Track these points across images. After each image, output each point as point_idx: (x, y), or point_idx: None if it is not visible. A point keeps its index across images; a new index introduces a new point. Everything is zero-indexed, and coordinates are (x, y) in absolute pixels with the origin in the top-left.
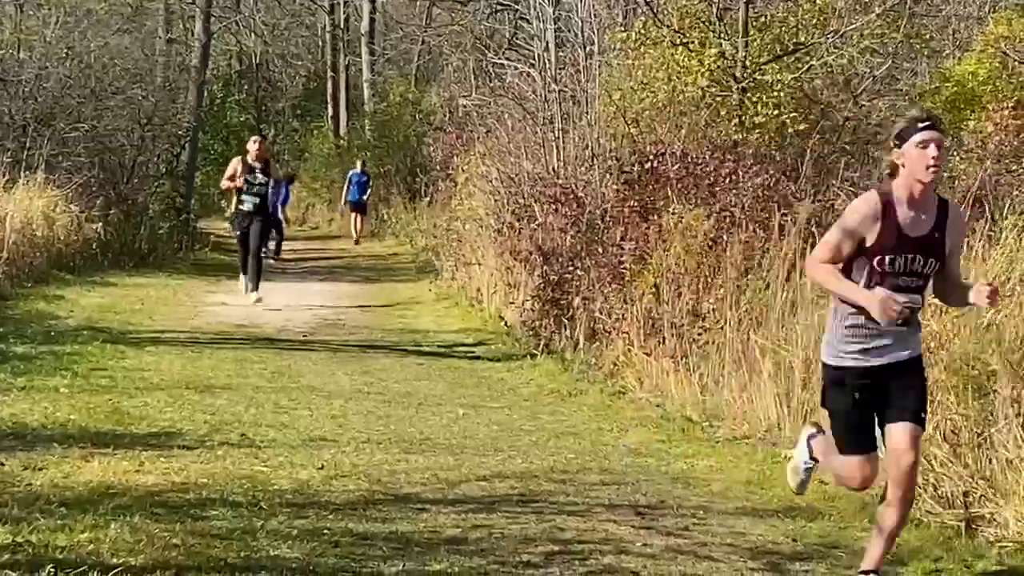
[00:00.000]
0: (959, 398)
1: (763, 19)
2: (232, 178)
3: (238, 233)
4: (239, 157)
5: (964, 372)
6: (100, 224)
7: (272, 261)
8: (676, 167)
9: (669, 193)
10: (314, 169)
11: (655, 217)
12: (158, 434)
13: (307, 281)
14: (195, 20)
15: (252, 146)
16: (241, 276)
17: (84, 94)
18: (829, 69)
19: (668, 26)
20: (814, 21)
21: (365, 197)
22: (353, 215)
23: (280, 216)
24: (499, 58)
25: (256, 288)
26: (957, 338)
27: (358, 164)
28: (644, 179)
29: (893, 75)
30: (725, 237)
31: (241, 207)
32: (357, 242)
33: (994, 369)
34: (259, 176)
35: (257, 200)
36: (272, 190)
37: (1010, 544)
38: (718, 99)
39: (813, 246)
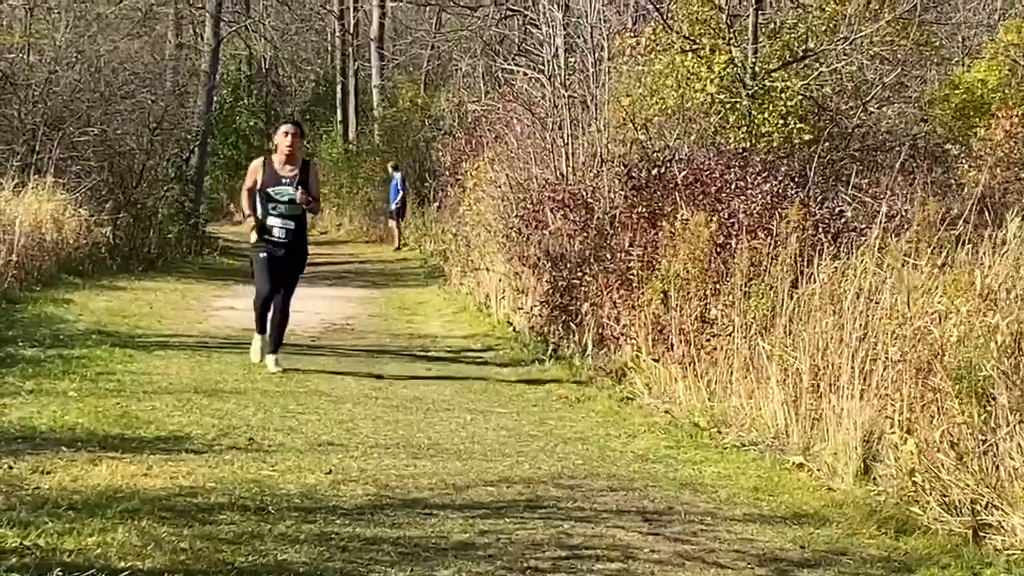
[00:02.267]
0: (962, 405)
1: (773, 26)
2: (251, 192)
3: (261, 271)
4: (260, 159)
5: (966, 379)
6: (109, 228)
7: None
8: (684, 173)
9: (677, 199)
10: (322, 174)
11: (663, 223)
12: (166, 438)
13: (315, 286)
14: (205, 25)
15: (283, 140)
16: (256, 338)
17: (94, 98)
18: (838, 76)
19: (678, 32)
20: (824, 28)
21: (396, 202)
22: (391, 222)
23: None
24: (508, 63)
25: (275, 350)
26: (959, 345)
27: (389, 167)
28: (652, 185)
29: (902, 82)
30: (733, 243)
31: (267, 236)
32: (400, 247)
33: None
34: (290, 188)
35: (292, 225)
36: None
37: (1018, 552)
38: (727, 106)
39: (818, 251)
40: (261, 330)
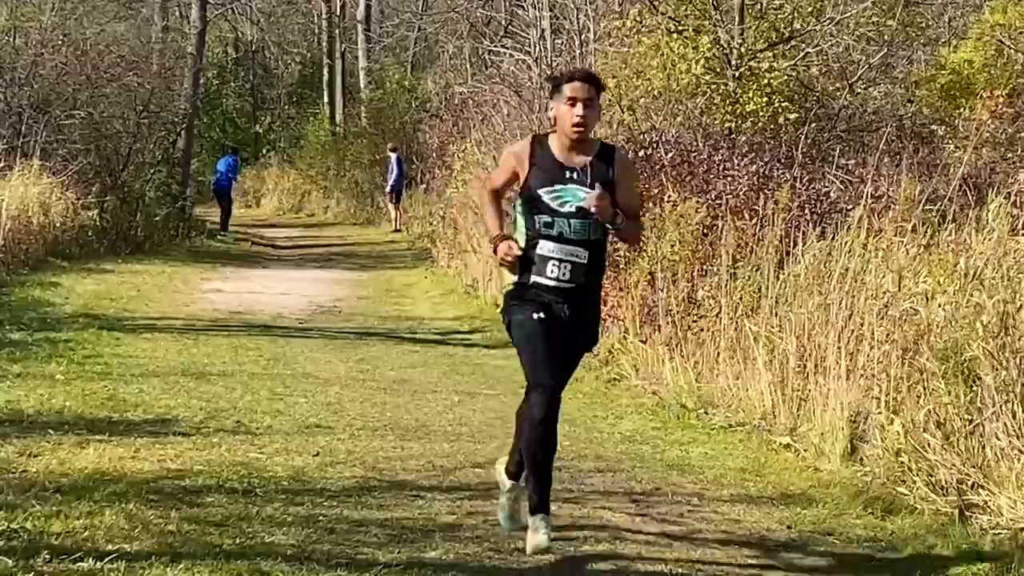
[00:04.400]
0: (948, 386)
1: (759, 6)
2: (497, 196)
3: (529, 344)
4: (526, 141)
5: (952, 359)
6: (96, 211)
7: (224, 236)
8: (671, 155)
9: (664, 181)
10: (310, 156)
11: (650, 205)
12: (154, 421)
13: (303, 268)
14: (191, 7)
15: (567, 112)
16: (506, 486)
17: (80, 81)
18: (825, 57)
19: (663, 13)
20: (810, 9)
21: (391, 182)
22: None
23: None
24: (495, 45)
25: (545, 504)
26: (945, 325)
27: (388, 148)
28: (639, 166)
29: (889, 63)
30: (720, 224)
31: (534, 278)
32: (396, 230)
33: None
34: (582, 190)
35: (581, 257)
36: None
37: (1004, 531)
38: (713, 87)
39: (804, 232)
40: (527, 466)
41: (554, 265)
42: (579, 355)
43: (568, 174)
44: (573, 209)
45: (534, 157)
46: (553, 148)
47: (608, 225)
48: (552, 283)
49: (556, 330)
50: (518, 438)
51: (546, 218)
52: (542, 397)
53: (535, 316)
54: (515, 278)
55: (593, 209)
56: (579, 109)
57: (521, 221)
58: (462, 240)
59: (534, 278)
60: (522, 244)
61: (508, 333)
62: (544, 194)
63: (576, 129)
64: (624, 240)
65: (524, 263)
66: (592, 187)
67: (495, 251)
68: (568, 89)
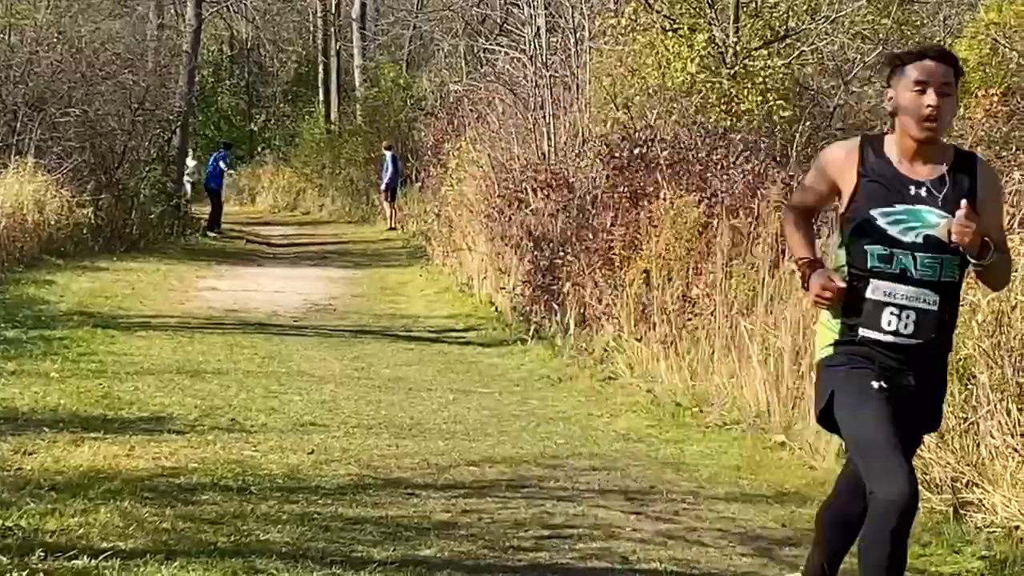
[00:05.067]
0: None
1: (754, 5)
2: (807, 215)
3: (859, 407)
4: (851, 143)
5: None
6: (91, 209)
7: (212, 234)
8: (666, 152)
9: (659, 179)
10: (305, 154)
11: (645, 203)
12: (148, 419)
13: (298, 266)
14: (186, 5)
15: (916, 101)
16: None
17: (75, 79)
18: (820, 55)
19: (658, 11)
20: (805, 7)
21: (386, 180)
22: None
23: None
24: (490, 43)
25: None
26: None
27: (383, 146)
28: (634, 164)
29: (884, 61)
30: (715, 223)
31: (865, 329)
32: (392, 228)
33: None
34: (934, 214)
35: (931, 303)
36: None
37: (998, 529)
38: (708, 85)
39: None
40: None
41: (892, 314)
42: (919, 439)
43: (914, 190)
44: (920, 239)
45: (864, 165)
46: (890, 154)
47: (971, 259)
48: (889, 339)
49: (903, 408)
50: (822, 547)
51: (881, 249)
52: (894, 506)
53: (875, 385)
54: (831, 343)
55: (955, 237)
56: (931, 97)
57: (841, 253)
58: (457, 238)
59: (862, 332)
60: (843, 279)
61: (821, 419)
62: (879, 216)
63: (927, 124)
64: (989, 282)
65: (849, 308)
66: (946, 208)
67: (806, 284)
68: (915, 70)
